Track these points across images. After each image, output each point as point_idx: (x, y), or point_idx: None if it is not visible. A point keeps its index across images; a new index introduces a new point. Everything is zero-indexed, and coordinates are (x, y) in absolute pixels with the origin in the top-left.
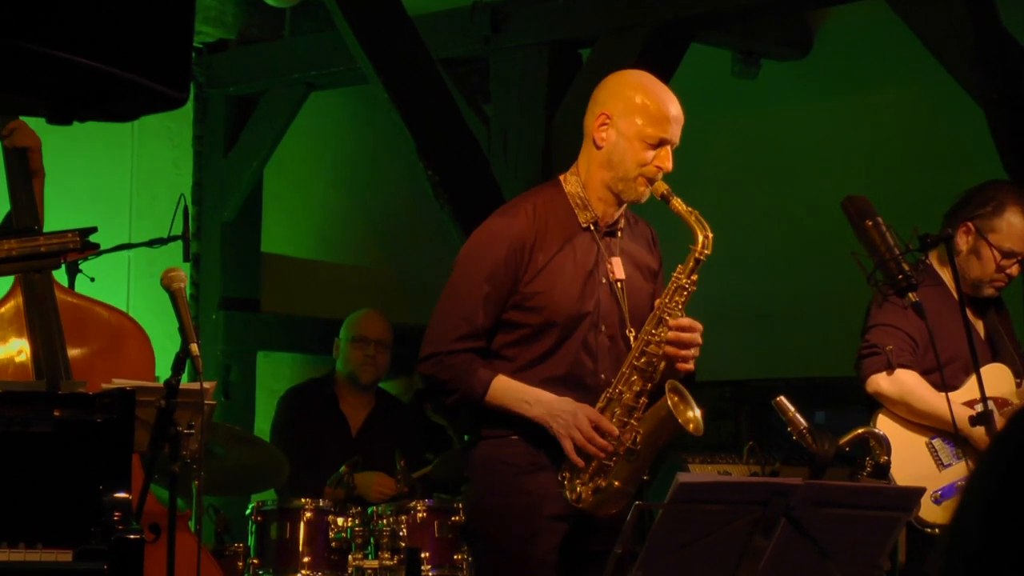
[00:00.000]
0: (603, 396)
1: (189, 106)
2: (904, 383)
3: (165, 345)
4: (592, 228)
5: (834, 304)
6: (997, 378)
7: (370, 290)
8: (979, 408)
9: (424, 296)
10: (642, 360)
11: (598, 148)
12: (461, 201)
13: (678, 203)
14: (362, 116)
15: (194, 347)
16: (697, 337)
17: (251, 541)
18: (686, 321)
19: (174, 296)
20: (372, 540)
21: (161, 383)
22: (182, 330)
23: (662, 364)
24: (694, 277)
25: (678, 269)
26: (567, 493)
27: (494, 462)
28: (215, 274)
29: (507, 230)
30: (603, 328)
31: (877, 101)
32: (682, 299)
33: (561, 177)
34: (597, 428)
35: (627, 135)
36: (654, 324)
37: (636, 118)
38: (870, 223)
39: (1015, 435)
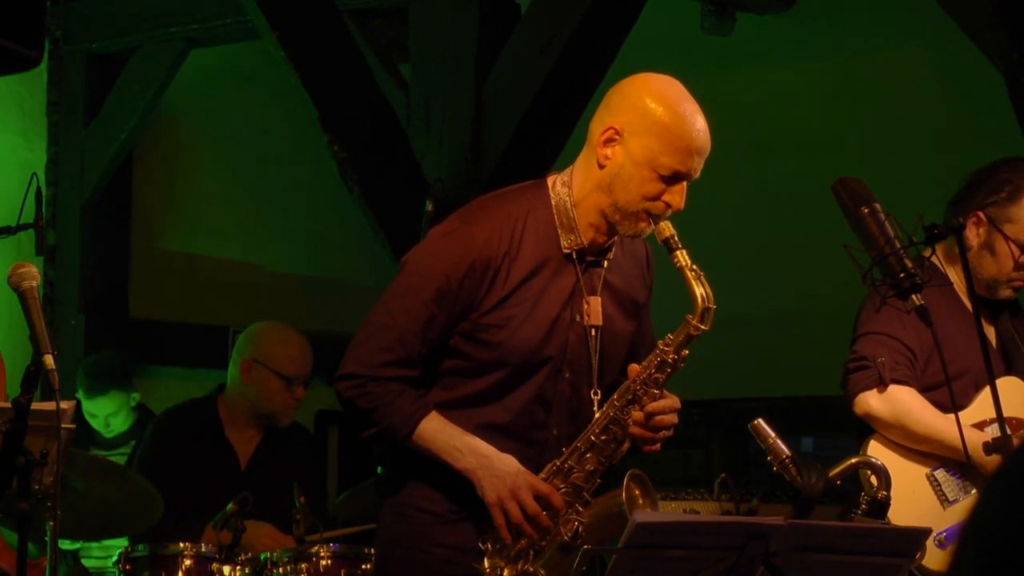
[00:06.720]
0: (548, 467)
1: (43, 66)
2: (899, 402)
3: (14, 357)
4: (574, 256)
5: (824, 309)
6: (1012, 395)
7: (264, 290)
8: (991, 430)
9: (328, 297)
10: (603, 438)
11: (600, 166)
12: (374, 183)
13: (682, 256)
14: (253, 79)
15: (48, 359)
16: (673, 419)
17: None
18: (663, 404)
19: (24, 297)
20: None
21: (8, 403)
22: (34, 338)
23: (626, 445)
24: (684, 353)
25: (666, 339)
26: (485, 569)
27: (407, 507)
28: (74, 270)
29: (471, 243)
30: (566, 375)
31: (875, 64)
32: (664, 376)
33: (549, 180)
34: (540, 500)
35: (637, 159)
36: (625, 400)
37: (652, 141)
38: (866, 210)
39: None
